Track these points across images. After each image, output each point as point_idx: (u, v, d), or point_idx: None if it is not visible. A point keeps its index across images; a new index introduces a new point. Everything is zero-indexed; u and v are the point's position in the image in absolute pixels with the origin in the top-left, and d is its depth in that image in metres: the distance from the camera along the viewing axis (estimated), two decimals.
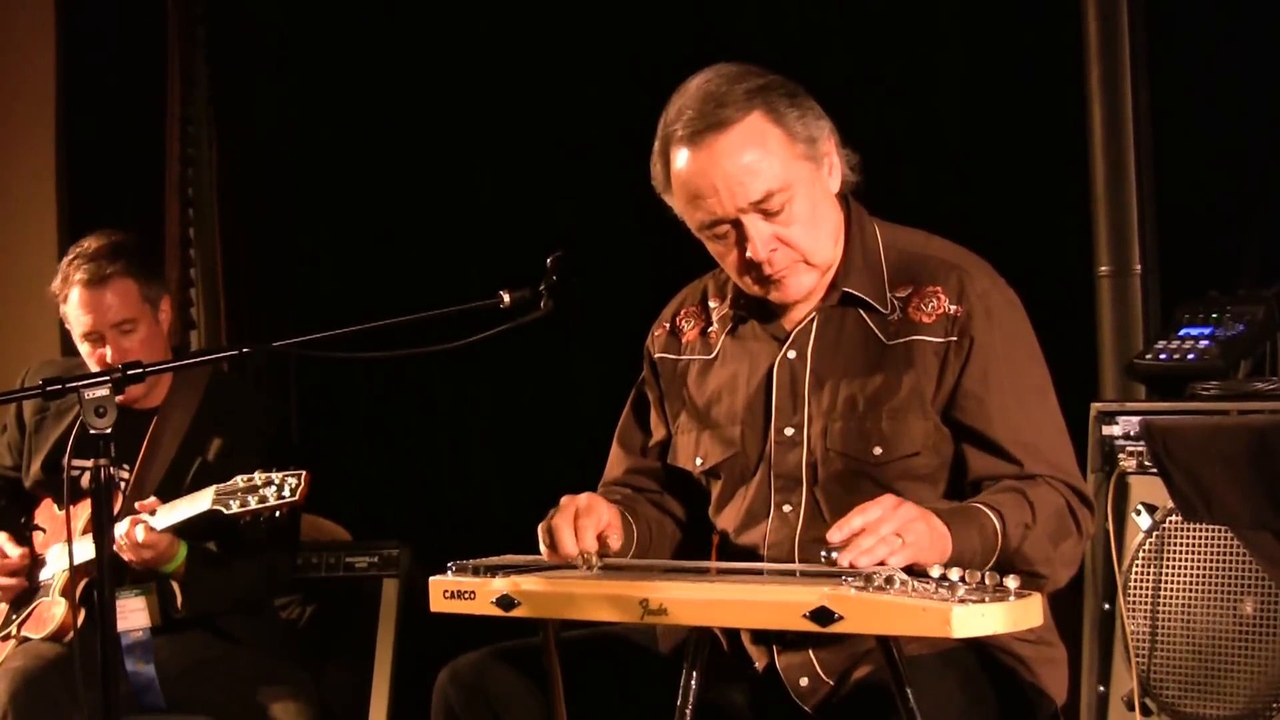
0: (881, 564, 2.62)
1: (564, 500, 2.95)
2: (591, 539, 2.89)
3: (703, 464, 3.14)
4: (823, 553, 2.69)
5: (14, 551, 4.20)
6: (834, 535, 2.67)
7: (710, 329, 3.19)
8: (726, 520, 3.10)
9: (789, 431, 3.02)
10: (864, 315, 3.02)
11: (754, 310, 3.11)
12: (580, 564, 2.89)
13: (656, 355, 3.26)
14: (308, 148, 5.92)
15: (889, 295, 3.01)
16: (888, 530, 2.65)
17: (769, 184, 2.91)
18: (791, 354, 3.04)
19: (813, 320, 3.05)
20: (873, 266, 3.04)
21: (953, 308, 2.96)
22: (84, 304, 4.17)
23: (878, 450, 2.94)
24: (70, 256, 4.23)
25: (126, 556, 3.95)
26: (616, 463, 3.31)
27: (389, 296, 5.48)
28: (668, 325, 3.27)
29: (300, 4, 5.93)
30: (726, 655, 3.03)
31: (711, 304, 3.20)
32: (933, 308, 2.97)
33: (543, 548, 2.94)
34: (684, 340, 3.22)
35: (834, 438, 2.98)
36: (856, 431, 2.96)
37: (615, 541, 2.94)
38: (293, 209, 5.92)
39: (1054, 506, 2.88)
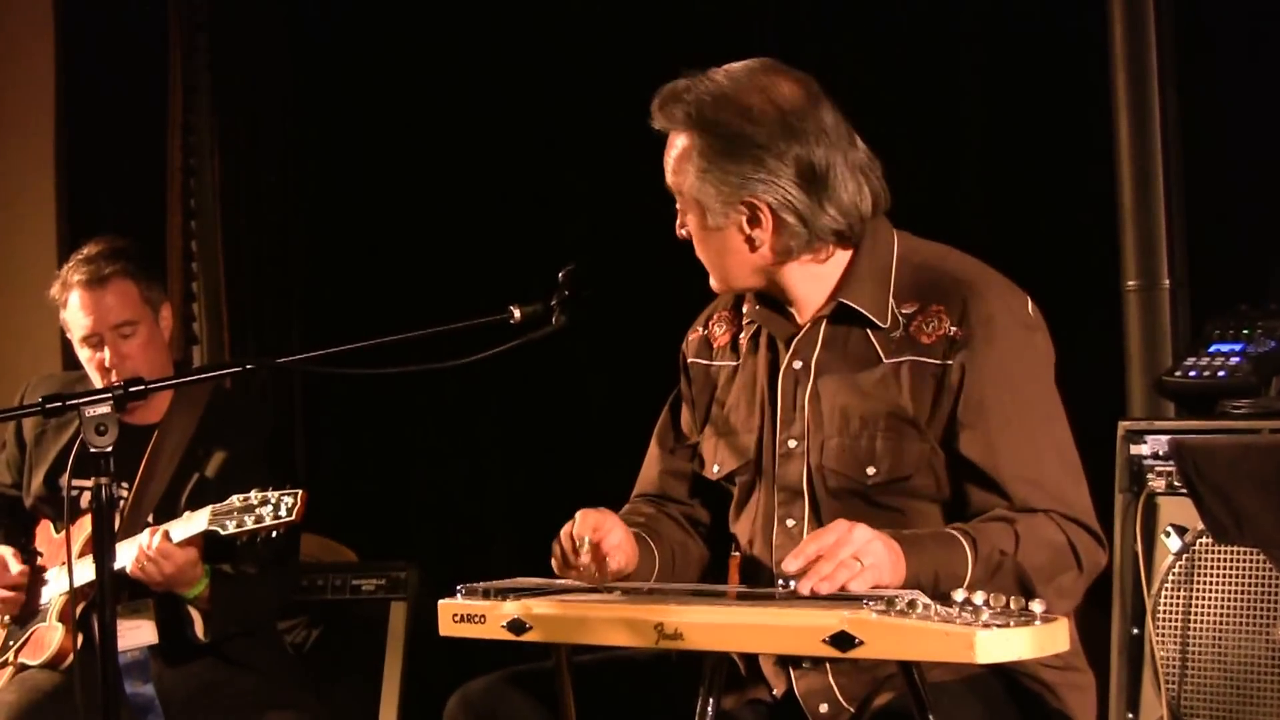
0: (843, 589, 2.65)
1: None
2: (587, 527, 2.92)
3: (719, 471, 3.16)
4: (779, 581, 2.72)
5: (16, 567, 4.21)
6: (790, 564, 2.70)
7: (740, 335, 3.21)
8: (742, 531, 3.13)
9: (791, 444, 3.04)
10: (868, 330, 3.02)
11: (764, 315, 3.14)
12: (581, 552, 2.90)
13: (690, 360, 3.29)
14: (313, 157, 5.93)
15: (892, 309, 3.01)
16: (846, 554, 2.68)
17: (672, 186, 3.07)
18: (797, 364, 3.06)
19: (816, 329, 3.06)
20: (879, 279, 3.04)
21: (953, 329, 2.95)
22: (83, 306, 4.20)
23: (871, 470, 2.95)
24: (69, 262, 4.26)
25: (144, 572, 3.95)
26: (652, 463, 3.33)
27: (396, 311, 5.48)
28: (701, 330, 3.30)
29: (304, 11, 5.94)
30: (744, 679, 3.04)
31: (744, 309, 3.22)
32: (933, 328, 2.97)
33: (554, 560, 2.97)
34: (715, 346, 3.25)
35: (830, 454, 2.99)
36: (850, 450, 2.97)
37: (614, 562, 2.95)
38: (297, 221, 5.93)
39: (1046, 539, 2.87)
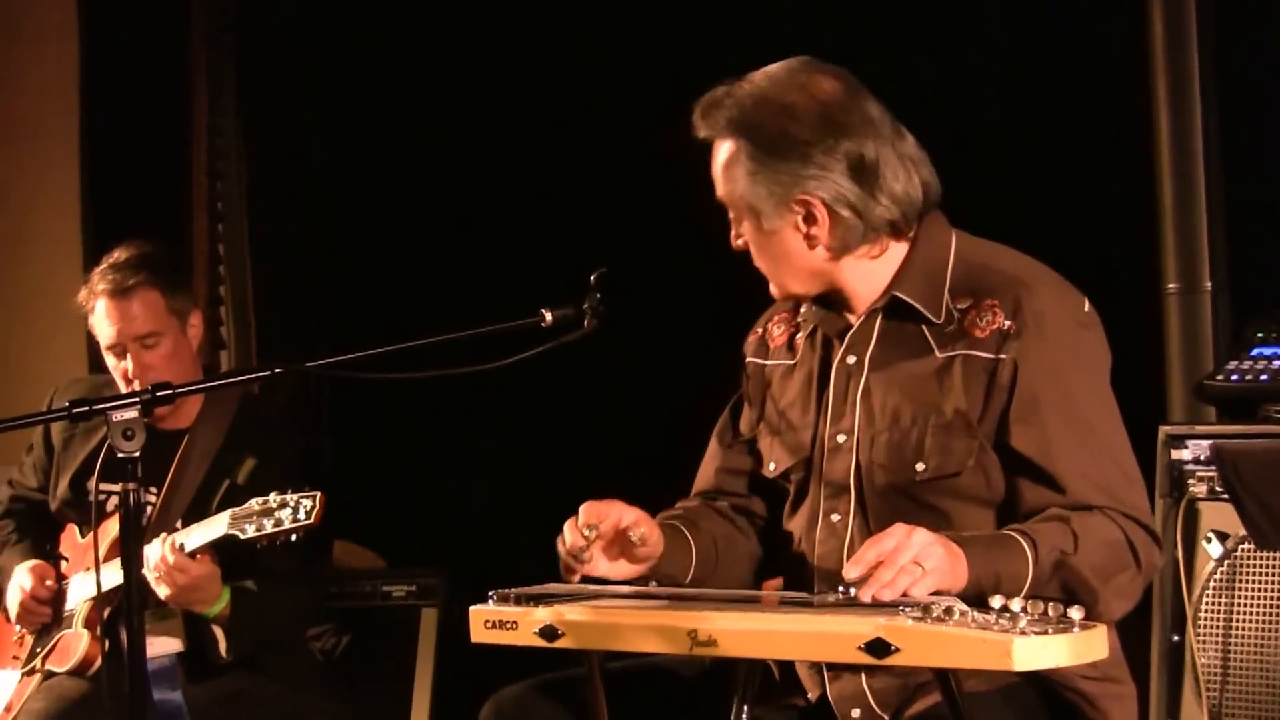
0: (905, 595, 2.64)
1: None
2: (592, 515, 2.94)
3: (774, 469, 3.18)
4: (839, 589, 2.73)
5: (48, 582, 4.24)
6: (850, 571, 2.70)
7: (797, 336, 3.24)
8: (794, 527, 3.14)
9: (840, 438, 3.06)
10: (922, 325, 3.04)
11: (818, 313, 3.16)
12: (590, 538, 2.91)
13: (747, 360, 3.33)
14: (340, 159, 5.95)
15: (946, 304, 3.02)
16: (905, 559, 2.68)
17: (722, 197, 3.09)
18: (850, 359, 3.08)
19: (870, 324, 3.08)
20: (933, 275, 3.05)
21: (1006, 323, 2.96)
22: (108, 315, 4.23)
23: (920, 466, 2.96)
24: (98, 268, 4.29)
25: (161, 587, 3.97)
26: (710, 460, 3.34)
27: (426, 314, 5.49)
28: (760, 331, 3.33)
29: (331, 11, 5.96)
30: (777, 684, 3.05)
31: (803, 309, 3.24)
32: (987, 322, 2.98)
33: (562, 567, 2.98)
34: (772, 346, 3.28)
35: (879, 450, 3.01)
36: (900, 445, 2.98)
37: (637, 533, 2.95)
38: (325, 223, 5.95)
39: (1104, 537, 2.86)
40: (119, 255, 4.29)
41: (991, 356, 2.95)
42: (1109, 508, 2.90)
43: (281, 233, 5.93)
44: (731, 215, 3.10)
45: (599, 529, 2.93)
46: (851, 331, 3.10)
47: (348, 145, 5.94)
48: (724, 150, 3.06)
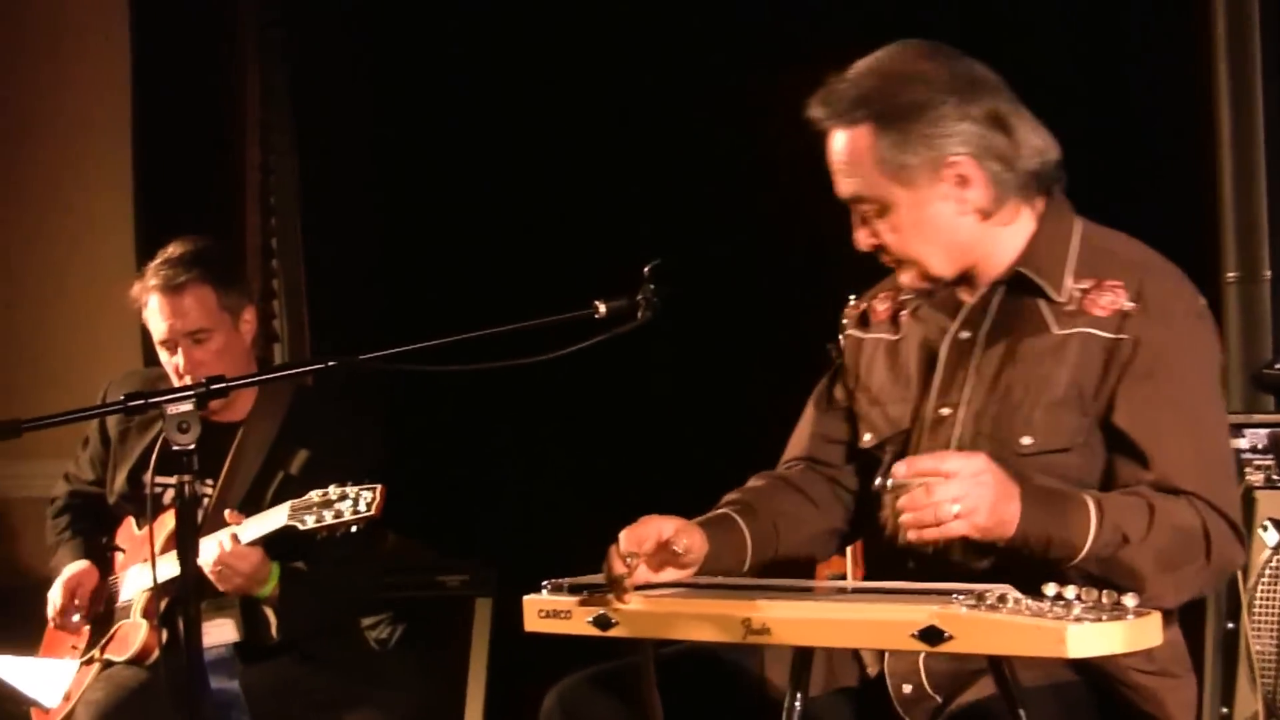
0: (916, 526, 2.70)
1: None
2: (632, 543, 2.94)
3: (870, 440, 3.19)
4: (879, 477, 2.79)
5: (87, 591, 4.32)
6: (900, 469, 2.74)
7: (902, 312, 3.24)
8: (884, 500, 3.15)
9: (944, 411, 3.07)
10: (1040, 301, 3.04)
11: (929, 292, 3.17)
12: (633, 567, 2.92)
13: (847, 331, 3.34)
14: (393, 152, 5.97)
15: (1068, 284, 3.02)
16: (952, 493, 2.70)
17: (857, 190, 3.05)
18: (965, 334, 3.10)
19: (989, 299, 3.09)
20: (1057, 252, 3.06)
21: (1128, 304, 2.97)
22: (160, 310, 4.28)
23: (1026, 440, 2.96)
24: (152, 261, 4.34)
25: (217, 578, 4.02)
26: (805, 424, 3.36)
27: (478, 306, 5.51)
28: (864, 305, 3.34)
29: (382, 3, 5.99)
30: (834, 661, 3.09)
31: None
32: (1108, 301, 2.98)
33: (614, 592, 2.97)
34: (874, 320, 3.29)
35: (986, 421, 3.01)
36: (1009, 419, 2.98)
37: (680, 545, 2.97)
38: (378, 217, 5.97)
39: (1179, 522, 2.85)
40: (173, 250, 4.33)
41: (1111, 336, 2.96)
42: (1197, 495, 2.89)
43: (334, 226, 5.95)
44: (864, 209, 3.06)
45: (639, 555, 2.95)
46: (969, 306, 3.11)
47: (400, 138, 5.96)
48: (853, 136, 3.03)
